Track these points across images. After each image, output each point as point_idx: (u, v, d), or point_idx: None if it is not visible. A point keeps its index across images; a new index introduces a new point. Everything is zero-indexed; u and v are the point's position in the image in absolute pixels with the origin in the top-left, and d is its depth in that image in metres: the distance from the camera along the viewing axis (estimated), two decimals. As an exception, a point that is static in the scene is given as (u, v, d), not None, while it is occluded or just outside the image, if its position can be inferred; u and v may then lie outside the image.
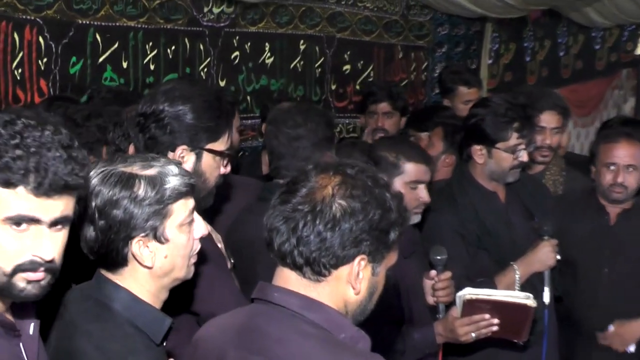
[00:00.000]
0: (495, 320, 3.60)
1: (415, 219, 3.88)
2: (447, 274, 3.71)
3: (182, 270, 2.45)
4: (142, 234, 2.35)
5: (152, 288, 2.42)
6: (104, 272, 2.42)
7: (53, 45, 5.20)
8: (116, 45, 5.53)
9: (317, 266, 2.10)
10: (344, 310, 2.15)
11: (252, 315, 2.18)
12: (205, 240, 2.61)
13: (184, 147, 2.92)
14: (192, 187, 2.44)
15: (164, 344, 2.43)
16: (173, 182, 2.39)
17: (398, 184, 3.72)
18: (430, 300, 3.75)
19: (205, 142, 2.94)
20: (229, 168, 3.06)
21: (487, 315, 3.59)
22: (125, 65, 5.61)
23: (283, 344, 2.08)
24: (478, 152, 4.15)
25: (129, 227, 2.34)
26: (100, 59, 5.47)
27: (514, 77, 8.48)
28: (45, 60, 5.18)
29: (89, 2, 5.34)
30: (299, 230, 2.09)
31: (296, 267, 2.13)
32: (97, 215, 2.33)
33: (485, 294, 3.65)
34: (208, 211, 3.03)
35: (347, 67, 7.17)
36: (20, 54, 5.02)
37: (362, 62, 7.26)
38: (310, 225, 2.08)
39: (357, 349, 2.12)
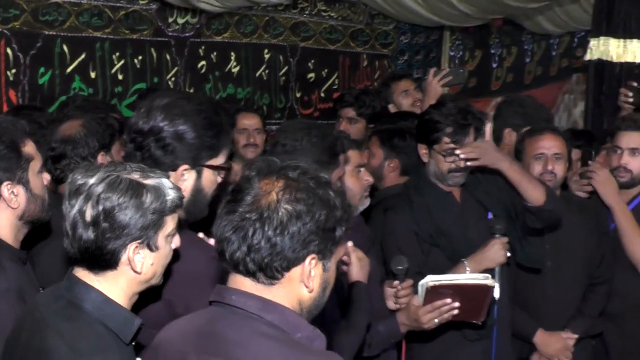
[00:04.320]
0: (457, 304, 3.66)
1: (366, 202, 3.96)
2: (409, 282, 3.78)
3: (158, 278, 2.53)
4: (139, 241, 2.41)
5: (130, 292, 2.47)
6: (77, 273, 2.46)
7: (21, 56, 5.34)
8: (83, 56, 5.66)
9: (269, 271, 2.11)
10: (299, 309, 2.17)
11: (211, 318, 2.17)
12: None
13: (186, 166, 2.83)
14: (182, 202, 2.52)
15: (133, 343, 2.48)
16: (171, 194, 2.45)
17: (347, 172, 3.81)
18: (392, 306, 3.82)
19: (206, 160, 2.87)
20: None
21: (448, 300, 3.66)
22: (93, 75, 5.72)
23: (242, 346, 2.08)
24: (422, 150, 4.22)
25: (130, 233, 2.39)
26: (68, 69, 5.59)
27: (478, 83, 8.59)
28: (14, 71, 5.32)
29: (55, 13, 5.48)
30: (249, 238, 2.09)
31: (249, 274, 2.13)
32: (101, 217, 2.36)
33: (447, 279, 3.72)
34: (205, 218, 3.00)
35: (312, 75, 7.26)
36: (-11, 65, 5.21)
37: (326, 70, 7.34)
38: (259, 233, 2.08)
39: (313, 348, 2.14)
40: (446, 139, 4.10)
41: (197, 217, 2.88)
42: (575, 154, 4.99)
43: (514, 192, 4.18)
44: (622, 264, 4.66)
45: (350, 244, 3.46)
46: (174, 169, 2.80)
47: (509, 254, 4.12)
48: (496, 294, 3.95)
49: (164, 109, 2.83)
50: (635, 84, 5.56)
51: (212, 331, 2.14)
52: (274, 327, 2.11)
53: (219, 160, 2.90)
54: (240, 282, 2.15)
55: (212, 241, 2.95)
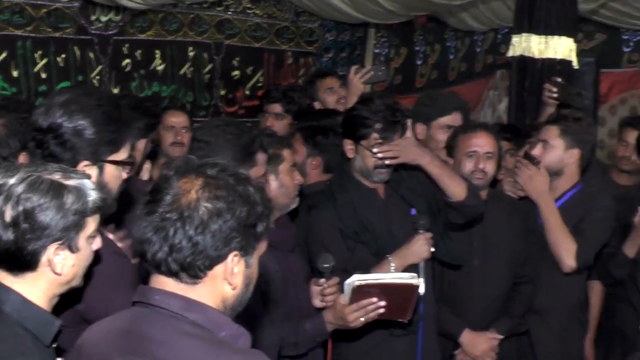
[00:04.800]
0: (383, 303, 3.68)
1: (296, 201, 3.97)
2: (335, 280, 3.80)
3: (79, 279, 2.50)
4: (60, 242, 2.38)
5: (50, 293, 2.44)
6: None
7: (-62, 56, 5.38)
8: (5, 54, 5.62)
9: (192, 270, 2.11)
10: (223, 307, 2.17)
11: (134, 319, 2.16)
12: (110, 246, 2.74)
13: (86, 162, 2.81)
14: (104, 202, 2.52)
15: (54, 345, 2.45)
16: (93, 195, 2.44)
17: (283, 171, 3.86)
18: (319, 304, 3.84)
19: (107, 155, 2.84)
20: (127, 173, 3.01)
21: (374, 299, 3.67)
22: (15, 74, 5.68)
23: (166, 346, 2.07)
24: (348, 146, 4.21)
25: (51, 234, 2.36)
26: (-11, 68, 5.58)
27: (403, 81, 8.63)
28: None
29: (-27, 11, 5.37)
30: (170, 238, 2.08)
31: (172, 274, 2.13)
32: (22, 218, 2.33)
33: (373, 278, 3.72)
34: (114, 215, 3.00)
35: (237, 72, 7.25)
36: None
37: (251, 67, 7.34)
38: (180, 232, 2.08)
39: (237, 347, 2.13)
40: (375, 135, 4.10)
41: (105, 212, 2.77)
42: (504, 145, 5.02)
43: (435, 187, 4.21)
44: (548, 260, 4.69)
45: None
46: (75, 165, 2.75)
47: (433, 249, 4.15)
48: (421, 289, 3.97)
49: (63, 105, 2.81)
50: (559, 80, 5.63)
51: (135, 331, 2.12)
52: (197, 326, 2.10)
53: (121, 155, 2.88)
54: (163, 283, 2.15)
55: (111, 236, 3.02)
